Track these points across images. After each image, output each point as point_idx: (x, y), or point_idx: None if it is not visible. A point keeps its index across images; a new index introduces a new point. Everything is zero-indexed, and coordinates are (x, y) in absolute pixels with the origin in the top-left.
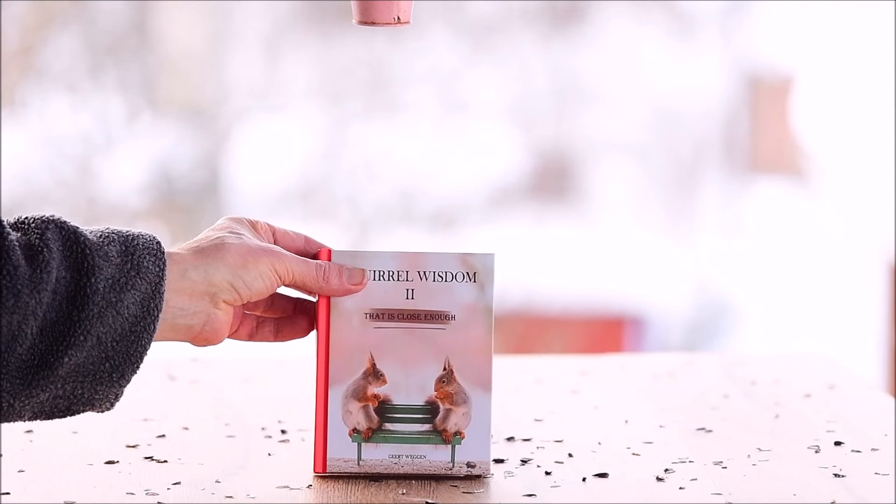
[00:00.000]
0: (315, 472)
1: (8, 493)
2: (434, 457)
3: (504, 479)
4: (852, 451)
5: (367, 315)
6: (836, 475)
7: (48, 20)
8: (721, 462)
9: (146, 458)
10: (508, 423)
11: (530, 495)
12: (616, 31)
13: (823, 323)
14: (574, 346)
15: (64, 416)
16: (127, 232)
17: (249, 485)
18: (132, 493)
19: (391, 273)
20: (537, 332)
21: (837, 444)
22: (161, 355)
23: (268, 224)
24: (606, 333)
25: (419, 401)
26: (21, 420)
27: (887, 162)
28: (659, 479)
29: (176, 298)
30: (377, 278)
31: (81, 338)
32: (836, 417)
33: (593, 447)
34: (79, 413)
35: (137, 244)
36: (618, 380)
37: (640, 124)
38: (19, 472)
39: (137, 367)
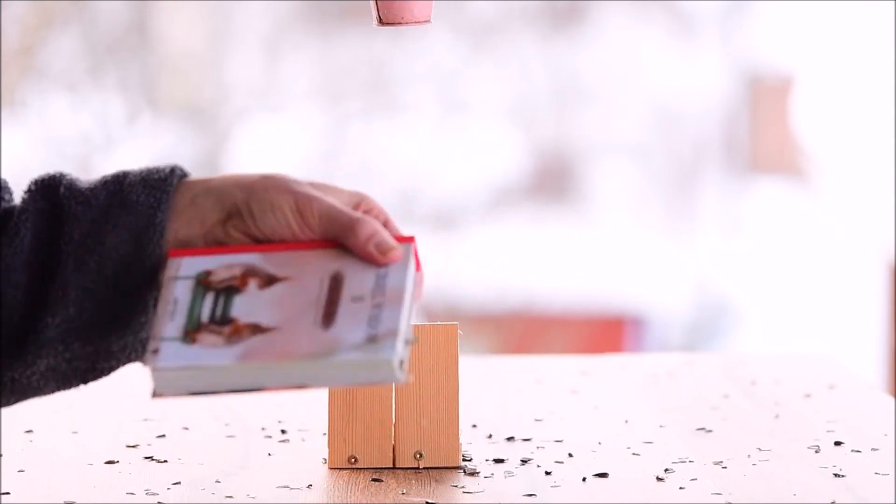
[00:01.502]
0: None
1: (8, 493)
2: None
3: (504, 479)
4: (852, 451)
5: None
6: (836, 475)
7: (48, 20)
8: (721, 462)
9: (146, 458)
10: (508, 423)
11: (530, 495)
12: (616, 31)
13: (823, 323)
14: (574, 346)
15: (92, 378)
16: (134, 169)
17: (249, 485)
18: (132, 493)
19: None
20: (537, 332)
21: (837, 444)
22: None
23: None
24: (606, 333)
25: None
26: (43, 393)
27: (887, 162)
28: (659, 479)
29: (185, 228)
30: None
31: (59, 293)
32: (836, 417)
33: (593, 447)
34: (108, 371)
35: (130, 179)
36: (618, 380)
37: (640, 124)
38: (19, 472)
39: (145, 309)
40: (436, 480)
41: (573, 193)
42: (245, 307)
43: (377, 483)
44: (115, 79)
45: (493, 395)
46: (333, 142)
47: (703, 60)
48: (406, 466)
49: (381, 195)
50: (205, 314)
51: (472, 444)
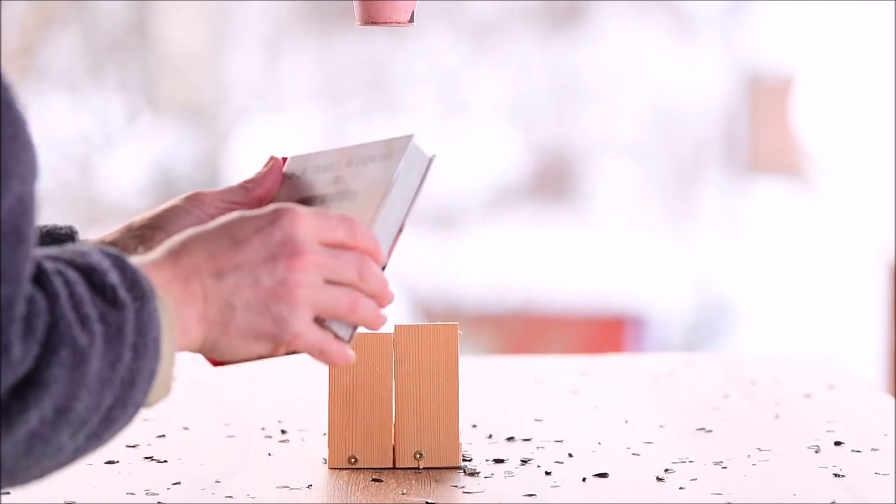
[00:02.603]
0: None
1: (8, 493)
2: None
3: (504, 479)
4: (852, 451)
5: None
6: (836, 475)
7: (48, 20)
8: (721, 462)
9: (146, 457)
10: (508, 423)
11: (530, 495)
12: (616, 31)
13: (823, 323)
14: (574, 346)
15: None
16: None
17: (249, 485)
18: (132, 493)
19: (328, 166)
20: (537, 332)
21: (837, 444)
22: None
23: None
24: (606, 333)
25: None
26: None
27: (887, 162)
28: (659, 479)
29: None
30: (317, 172)
31: None
32: (836, 417)
33: (593, 447)
34: None
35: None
36: (618, 380)
37: (640, 124)
38: None
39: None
40: (436, 480)
41: (573, 193)
42: None
43: (377, 483)
44: (115, 79)
45: (493, 395)
46: (333, 142)
47: (703, 60)
48: (406, 466)
49: None
50: None
51: (472, 444)
